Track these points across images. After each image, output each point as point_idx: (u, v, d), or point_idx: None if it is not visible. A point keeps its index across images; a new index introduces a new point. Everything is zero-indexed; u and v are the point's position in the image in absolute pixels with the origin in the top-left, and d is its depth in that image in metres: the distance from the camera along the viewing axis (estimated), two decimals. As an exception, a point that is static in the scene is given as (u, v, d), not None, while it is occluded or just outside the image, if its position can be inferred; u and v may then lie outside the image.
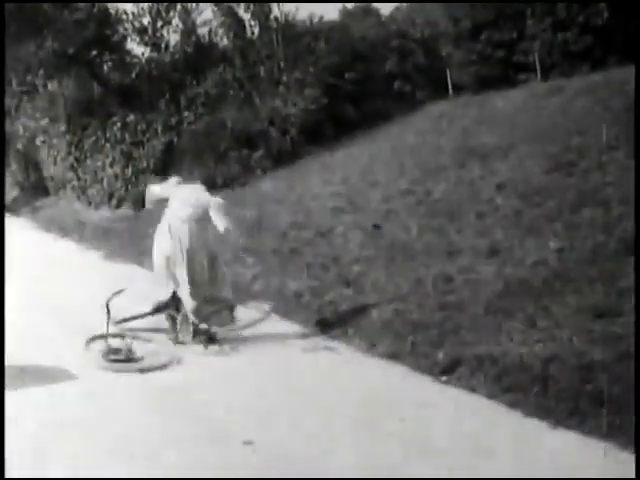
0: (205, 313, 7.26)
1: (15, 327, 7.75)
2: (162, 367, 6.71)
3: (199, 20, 23.55)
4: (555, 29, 19.59)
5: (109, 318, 7.23)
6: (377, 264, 9.20)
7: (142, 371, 6.66)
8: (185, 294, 7.25)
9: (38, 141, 23.47)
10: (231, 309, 7.47)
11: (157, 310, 7.52)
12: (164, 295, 7.42)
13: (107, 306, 7.23)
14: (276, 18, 22.75)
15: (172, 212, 7.43)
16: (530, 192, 10.48)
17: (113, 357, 6.91)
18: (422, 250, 9.39)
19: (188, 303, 7.24)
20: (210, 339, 7.21)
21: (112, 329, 7.31)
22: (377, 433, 4.92)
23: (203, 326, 7.26)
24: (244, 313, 7.63)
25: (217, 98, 20.87)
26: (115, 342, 7.11)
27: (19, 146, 24.89)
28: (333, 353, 6.72)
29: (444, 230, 9.97)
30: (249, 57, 22.31)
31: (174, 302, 7.41)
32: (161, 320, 7.58)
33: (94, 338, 7.21)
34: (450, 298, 7.47)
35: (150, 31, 22.95)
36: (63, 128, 21.84)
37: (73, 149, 21.62)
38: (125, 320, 7.59)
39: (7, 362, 6.49)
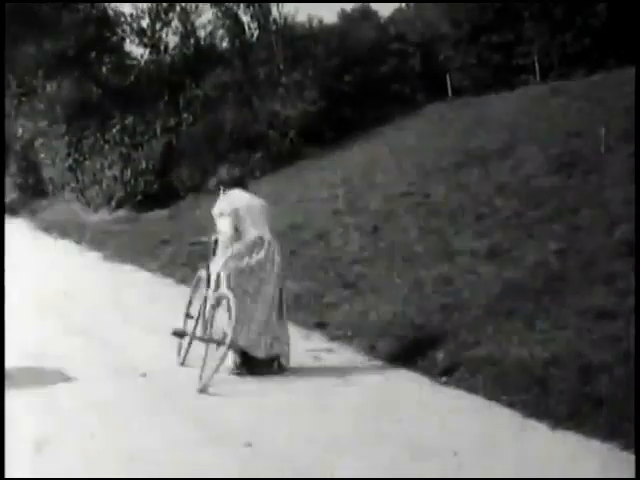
0: None
1: (15, 327, 7.75)
2: None
3: (198, 22, 23.62)
4: (554, 31, 19.63)
5: None
6: (376, 266, 9.19)
7: None
8: None
9: (37, 143, 23.47)
10: None
11: None
12: None
13: None
14: (275, 21, 22.79)
15: None
16: (529, 194, 10.48)
17: None
18: (422, 252, 9.38)
19: None
20: None
21: None
22: (375, 433, 4.92)
23: None
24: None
25: (216, 100, 20.89)
26: None
27: (18, 148, 24.90)
28: (333, 354, 6.70)
29: (443, 232, 9.97)
30: (248, 59, 22.35)
31: None
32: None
33: None
34: (449, 299, 7.46)
35: (149, 33, 22.98)
36: (62, 130, 21.86)
37: (72, 151, 21.65)
38: None
39: (7, 363, 6.48)
